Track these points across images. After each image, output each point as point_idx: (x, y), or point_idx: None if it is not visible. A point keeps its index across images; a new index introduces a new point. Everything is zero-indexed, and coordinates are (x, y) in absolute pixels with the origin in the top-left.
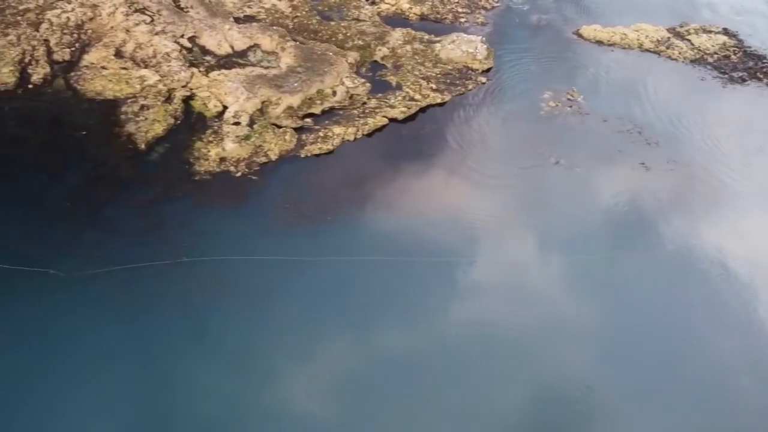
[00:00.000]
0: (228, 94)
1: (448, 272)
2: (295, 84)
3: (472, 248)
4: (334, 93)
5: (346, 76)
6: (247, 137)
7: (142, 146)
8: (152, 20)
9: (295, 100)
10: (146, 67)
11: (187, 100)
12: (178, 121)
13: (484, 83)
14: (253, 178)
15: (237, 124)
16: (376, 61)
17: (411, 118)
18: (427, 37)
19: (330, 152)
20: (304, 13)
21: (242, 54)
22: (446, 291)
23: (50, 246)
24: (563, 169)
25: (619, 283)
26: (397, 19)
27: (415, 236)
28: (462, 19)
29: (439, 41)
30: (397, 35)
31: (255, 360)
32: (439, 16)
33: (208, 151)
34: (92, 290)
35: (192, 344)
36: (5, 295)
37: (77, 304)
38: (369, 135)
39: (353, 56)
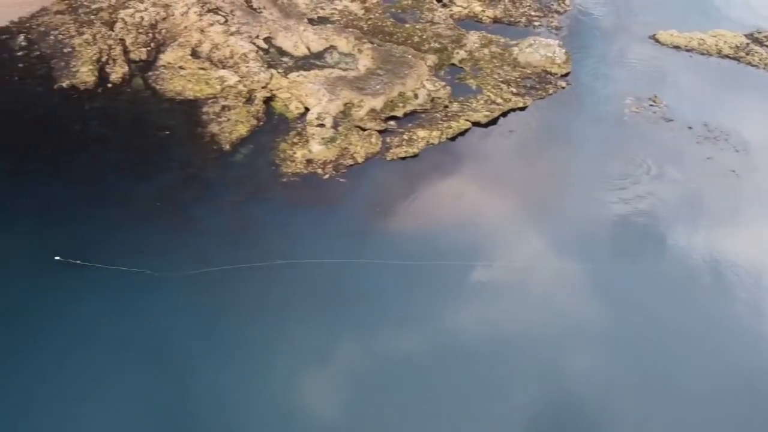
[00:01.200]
0: (309, 95)
1: (535, 278)
2: (377, 86)
3: (569, 256)
4: (416, 96)
5: (427, 79)
6: (332, 139)
7: (227, 147)
8: (226, 21)
9: (377, 103)
10: (224, 67)
11: (267, 101)
12: (261, 122)
13: (563, 88)
14: (341, 180)
15: (321, 126)
16: (453, 64)
17: (493, 122)
18: (503, 40)
19: (415, 155)
20: (377, 15)
21: (319, 55)
22: (532, 295)
23: (145, 246)
24: (655, 178)
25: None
26: (469, 22)
27: (503, 243)
28: (536, 23)
29: (516, 45)
30: (473, 38)
31: (346, 364)
32: (512, 19)
33: (294, 153)
34: (187, 291)
35: (287, 347)
36: (103, 295)
37: (172, 305)
38: (452, 139)
39: (431, 59)
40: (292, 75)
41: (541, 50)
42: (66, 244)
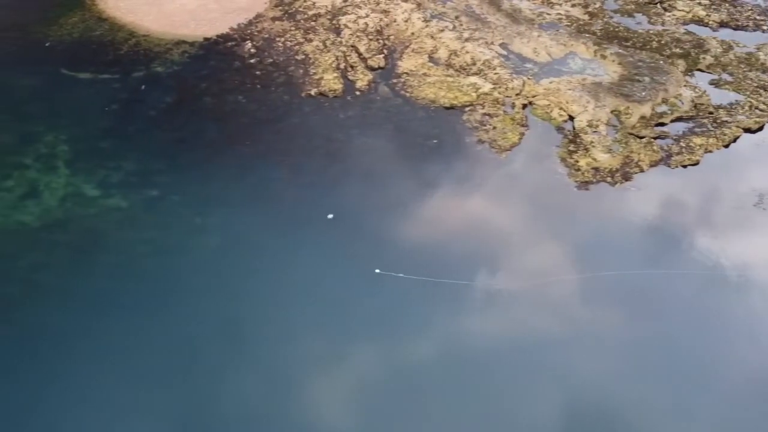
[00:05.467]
0: (571, 102)
1: None
2: (643, 93)
3: None
4: (681, 102)
5: (685, 85)
6: (614, 147)
7: (503, 155)
8: (454, 26)
9: (646, 110)
10: (468, 74)
11: (523, 107)
12: (527, 130)
13: None
14: (632, 189)
15: (596, 133)
16: (700, 69)
17: (759, 128)
18: (741, 44)
19: (696, 163)
20: (605, 19)
21: (562, 62)
22: None
23: (458, 260)
24: None
25: None
26: (695, 26)
27: None
28: (764, 27)
29: (759, 49)
30: (713, 43)
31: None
32: (738, 23)
33: (577, 161)
34: (517, 302)
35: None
36: (428, 305)
37: (498, 317)
38: (725, 145)
39: (681, 64)
40: (544, 82)
41: None
42: (379, 256)
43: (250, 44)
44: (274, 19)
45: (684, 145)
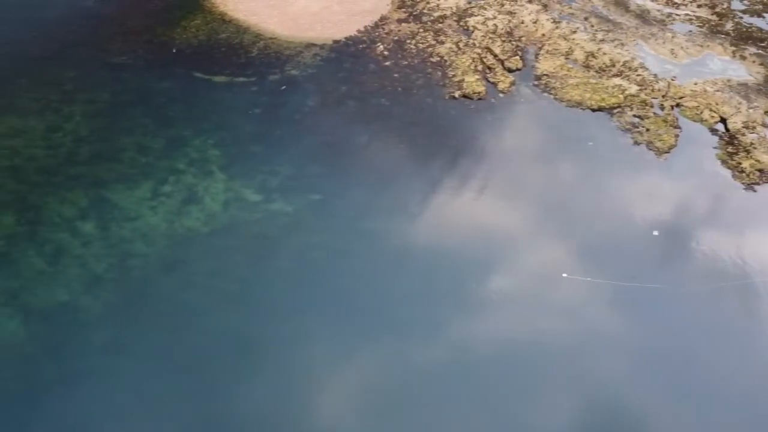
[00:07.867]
0: (722, 104)
1: None
2: None
3: None
4: None
5: None
6: None
7: (662, 157)
8: (585, 28)
9: None
10: (609, 76)
11: (672, 109)
12: (680, 131)
13: None
14: None
15: (755, 134)
16: None
17: None
18: None
19: None
20: (734, 20)
21: (701, 62)
22: None
23: (641, 262)
24: None
25: None
26: None
27: None
28: None
29: None
30: None
31: None
32: None
33: (739, 164)
34: (696, 304)
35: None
36: (623, 309)
37: (686, 318)
38: None
39: None
40: (688, 83)
41: None
42: (563, 260)
43: (381, 46)
44: (399, 21)
45: None
